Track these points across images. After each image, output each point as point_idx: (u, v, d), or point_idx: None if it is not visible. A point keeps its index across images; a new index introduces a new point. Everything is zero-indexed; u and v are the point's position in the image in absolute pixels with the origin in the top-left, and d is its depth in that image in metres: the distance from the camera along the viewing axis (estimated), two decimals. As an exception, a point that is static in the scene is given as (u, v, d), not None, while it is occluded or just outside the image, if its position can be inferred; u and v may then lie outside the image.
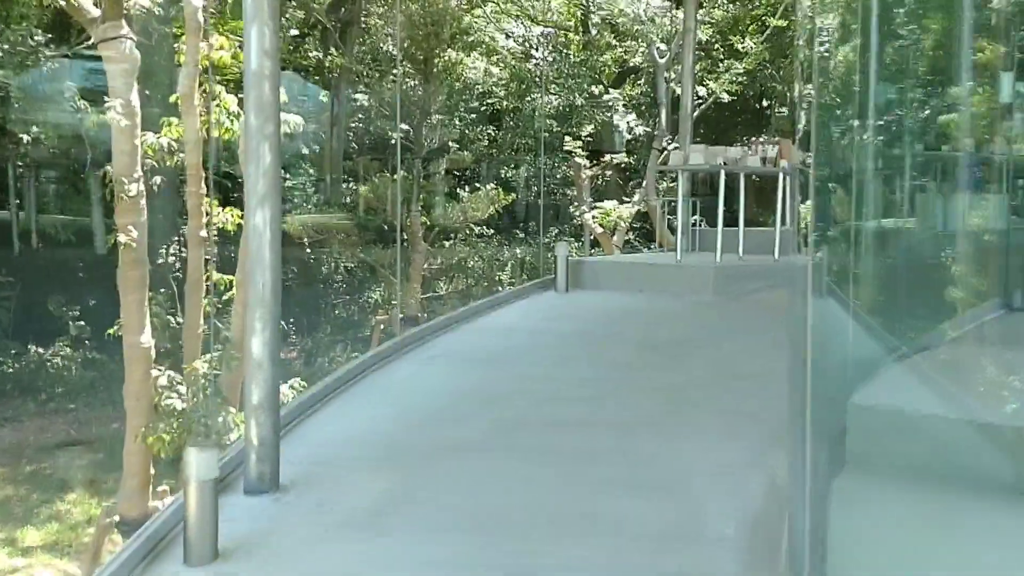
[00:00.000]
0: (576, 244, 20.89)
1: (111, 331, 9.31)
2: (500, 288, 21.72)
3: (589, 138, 17.02)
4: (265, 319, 4.39)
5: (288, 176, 17.52)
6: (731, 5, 19.65)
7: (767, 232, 10.43)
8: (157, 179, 10.48)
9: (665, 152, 17.06)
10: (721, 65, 18.81)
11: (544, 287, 9.26)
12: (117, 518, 9.36)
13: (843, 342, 4.72)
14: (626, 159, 18.03)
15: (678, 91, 18.10)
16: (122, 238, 8.77)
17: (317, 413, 5.48)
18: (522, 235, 23.14)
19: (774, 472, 4.25)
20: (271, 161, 4.42)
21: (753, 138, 9.73)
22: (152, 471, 9.47)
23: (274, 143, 4.45)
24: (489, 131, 23.13)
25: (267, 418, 4.37)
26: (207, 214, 8.94)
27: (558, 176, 21.00)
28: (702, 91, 17.27)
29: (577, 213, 16.23)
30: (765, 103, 23.12)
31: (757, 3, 19.27)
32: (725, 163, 8.84)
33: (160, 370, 8.97)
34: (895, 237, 6.88)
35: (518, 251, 22.22)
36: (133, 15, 9.37)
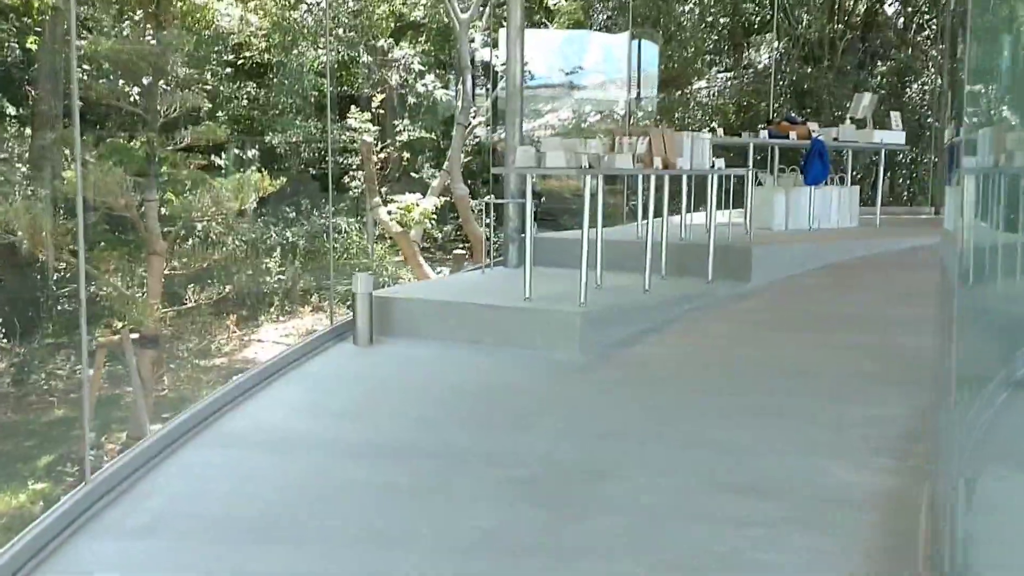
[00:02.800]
0: (358, 224, 17.99)
1: None
2: (268, 278, 18.53)
3: (380, 109, 14.11)
4: None
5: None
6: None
7: (621, 244, 8.15)
8: None
9: (471, 128, 14.64)
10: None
11: (339, 336, 6.48)
12: None
13: None
14: (425, 134, 15.27)
15: (484, 56, 15.67)
16: None
17: None
18: (294, 214, 19.90)
19: None
20: None
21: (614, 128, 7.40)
22: None
23: None
24: (249, 90, 19.67)
25: None
26: None
27: (339, 144, 17.94)
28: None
29: (368, 207, 13.33)
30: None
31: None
32: (590, 164, 6.37)
33: None
34: None
35: (289, 234, 19.03)
36: None
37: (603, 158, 6.71)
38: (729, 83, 18.48)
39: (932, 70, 17.80)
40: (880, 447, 4.26)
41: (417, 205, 12.64)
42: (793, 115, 10.71)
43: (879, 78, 18.14)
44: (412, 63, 14.87)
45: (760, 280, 7.90)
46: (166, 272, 13.00)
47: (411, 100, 17.51)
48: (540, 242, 8.53)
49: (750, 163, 9.49)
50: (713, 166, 7.68)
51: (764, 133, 9.78)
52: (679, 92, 17.69)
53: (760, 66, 19.70)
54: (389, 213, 12.79)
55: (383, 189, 13.60)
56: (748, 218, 9.26)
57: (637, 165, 6.85)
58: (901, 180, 17.87)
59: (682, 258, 8.11)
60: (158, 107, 12.54)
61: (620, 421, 4.78)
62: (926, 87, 17.80)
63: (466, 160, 17.93)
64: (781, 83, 16.90)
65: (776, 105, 17.71)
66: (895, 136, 10.77)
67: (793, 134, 9.95)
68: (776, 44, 17.68)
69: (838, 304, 7.03)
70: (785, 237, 9.27)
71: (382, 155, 13.69)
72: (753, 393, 5.07)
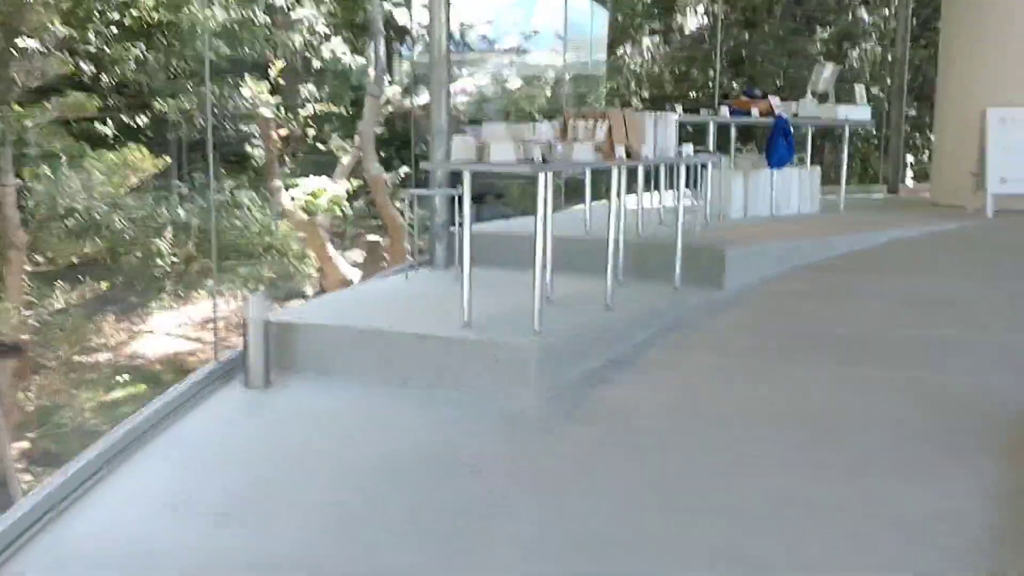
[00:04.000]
0: (262, 204, 16.27)
1: None
2: (159, 261, 16.72)
3: (280, 79, 12.44)
4: None
5: None
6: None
7: (567, 240, 6.90)
8: None
9: (386, 99, 13.10)
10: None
11: (226, 375, 5.08)
12: None
13: None
14: (332, 107, 13.62)
15: (400, 17, 14.14)
16: None
17: None
18: (187, 190, 18.06)
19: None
20: None
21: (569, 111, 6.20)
22: None
23: None
24: (137, 52, 17.68)
25: None
26: None
27: (233, 111, 16.09)
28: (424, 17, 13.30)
29: (270, 191, 11.70)
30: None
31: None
32: (544, 157, 5.07)
33: None
34: None
35: (182, 213, 17.22)
36: None
37: (557, 147, 5.42)
38: (660, 49, 17.31)
39: (874, 36, 16.94)
40: (962, 561, 3.12)
41: (325, 190, 11.03)
42: (753, 89, 9.56)
43: (818, 45, 17.22)
44: (316, 24, 13.16)
45: (735, 285, 6.75)
46: (29, 267, 11.23)
47: (317, 66, 15.84)
48: (475, 240, 7.23)
49: (712, 145, 8.35)
50: (681, 152, 6.46)
51: (724, 109, 8.62)
52: (611, 58, 16.44)
53: (687, 31, 18.59)
54: (293, 199, 11.19)
55: (286, 169, 11.99)
56: (708, 209, 8.13)
57: (597, 155, 5.59)
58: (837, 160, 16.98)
59: (641, 257, 6.92)
60: (13, 75, 10.70)
61: (609, 516, 3.53)
62: (867, 54, 16.94)
63: (380, 131, 16.38)
64: (718, 50, 15.80)
65: (712, 74, 16.63)
66: (860, 112, 9.74)
67: (755, 110, 8.81)
68: (701, 8, 16.60)
69: (839, 320, 5.90)
70: (749, 228, 8.15)
71: (283, 132, 12.06)
72: (772, 467, 3.88)
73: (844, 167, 9.89)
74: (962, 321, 5.72)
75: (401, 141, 16.71)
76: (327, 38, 13.23)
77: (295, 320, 5.25)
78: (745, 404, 4.52)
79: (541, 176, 4.93)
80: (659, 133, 6.31)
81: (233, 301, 18.71)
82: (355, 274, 12.59)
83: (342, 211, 11.87)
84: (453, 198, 7.16)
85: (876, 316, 5.94)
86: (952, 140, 10.85)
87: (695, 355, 5.30)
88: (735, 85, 15.81)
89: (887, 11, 16.99)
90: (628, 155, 5.81)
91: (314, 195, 10.96)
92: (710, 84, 16.48)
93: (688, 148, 6.44)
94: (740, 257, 6.84)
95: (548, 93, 16.12)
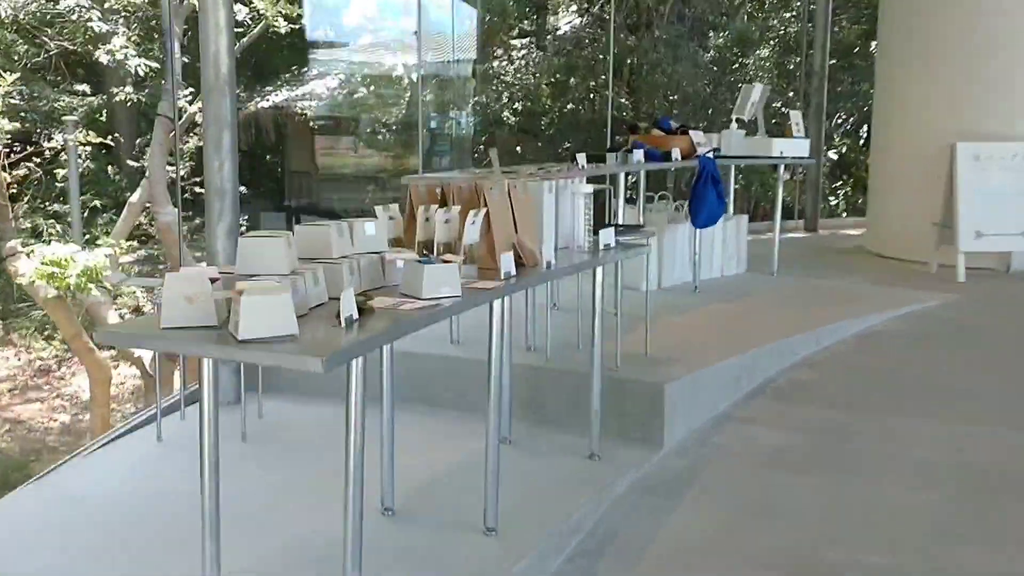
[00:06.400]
0: (62, 234, 12.99)
1: None
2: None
3: (14, 94, 9.37)
4: None
5: None
6: None
7: (417, 357, 4.54)
8: None
9: (185, 120, 10.20)
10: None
11: None
12: None
13: None
14: (94, 138, 10.50)
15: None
16: None
17: None
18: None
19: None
20: None
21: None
22: None
23: None
24: None
25: None
26: None
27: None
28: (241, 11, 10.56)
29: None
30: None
31: None
32: (362, 305, 2.59)
33: None
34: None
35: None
36: None
37: (396, 265, 2.98)
38: (533, 55, 15.00)
39: (773, 42, 15.10)
40: None
41: (72, 260, 7.89)
42: (667, 119, 7.30)
43: (712, 52, 15.26)
44: (89, 19, 10.13)
45: (678, 437, 4.44)
46: None
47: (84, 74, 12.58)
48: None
49: (621, 205, 6.06)
50: (596, 237, 4.10)
51: (639, 153, 6.29)
52: (483, 64, 14.04)
53: (559, 32, 16.39)
54: (31, 270, 8.16)
55: (28, 223, 8.94)
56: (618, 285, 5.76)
57: (471, 268, 3.16)
58: (737, 186, 15.04)
59: (535, 389, 4.59)
60: None
61: None
62: (766, 63, 15.05)
63: (192, 150, 13.34)
64: (601, 57, 13.66)
65: (592, 83, 14.47)
66: (797, 146, 7.64)
67: (676, 150, 6.55)
68: (575, 6, 14.42)
69: (863, 527, 3.56)
70: (678, 322, 5.88)
71: (19, 172, 9.04)
72: None
73: (778, 216, 7.78)
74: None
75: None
76: (105, 38, 10.14)
77: None
78: None
79: (355, 364, 2.42)
80: (564, 215, 3.94)
81: (24, 354, 15.41)
82: (146, 355, 9.73)
83: (106, 287, 8.86)
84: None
85: (919, 517, 3.66)
86: (897, 178, 8.93)
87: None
88: (623, 100, 13.72)
89: (786, 15, 15.21)
90: (520, 262, 3.40)
91: (59, 264, 7.85)
92: (592, 96, 14.32)
93: (609, 235, 4.05)
94: (682, 391, 4.53)
95: (405, 100, 13.59)
